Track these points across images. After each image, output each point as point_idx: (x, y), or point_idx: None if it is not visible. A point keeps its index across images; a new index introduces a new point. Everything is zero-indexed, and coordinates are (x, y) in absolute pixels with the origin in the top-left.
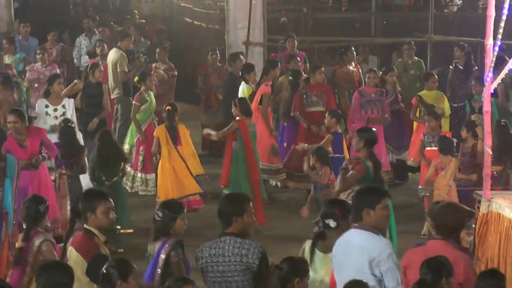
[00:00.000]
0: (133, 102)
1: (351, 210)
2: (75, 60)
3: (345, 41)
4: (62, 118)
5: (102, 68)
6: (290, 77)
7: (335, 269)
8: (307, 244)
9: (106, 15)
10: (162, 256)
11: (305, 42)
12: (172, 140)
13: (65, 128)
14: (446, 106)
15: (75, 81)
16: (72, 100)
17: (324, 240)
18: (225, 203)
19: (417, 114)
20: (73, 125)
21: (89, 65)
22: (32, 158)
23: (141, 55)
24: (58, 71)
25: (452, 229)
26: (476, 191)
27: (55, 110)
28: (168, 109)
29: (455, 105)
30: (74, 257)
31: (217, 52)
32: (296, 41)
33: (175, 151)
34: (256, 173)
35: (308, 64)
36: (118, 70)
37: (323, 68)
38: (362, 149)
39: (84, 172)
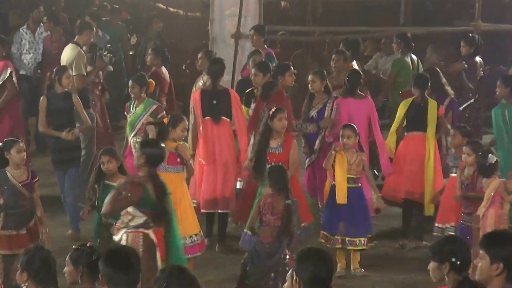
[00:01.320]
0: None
1: None
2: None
3: (365, 32)
4: None
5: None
6: None
7: None
8: None
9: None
10: None
11: (314, 33)
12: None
13: None
14: None
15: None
16: None
17: None
18: None
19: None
20: None
21: (55, 70)
22: None
23: (105, 52)
24: None
25: None
26: None
27: None
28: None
29: None
30: None
31: (155, 54)
32: (262, 35)
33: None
34: None
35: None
36: (74, 74)
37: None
38: (143, 167)
39: None
